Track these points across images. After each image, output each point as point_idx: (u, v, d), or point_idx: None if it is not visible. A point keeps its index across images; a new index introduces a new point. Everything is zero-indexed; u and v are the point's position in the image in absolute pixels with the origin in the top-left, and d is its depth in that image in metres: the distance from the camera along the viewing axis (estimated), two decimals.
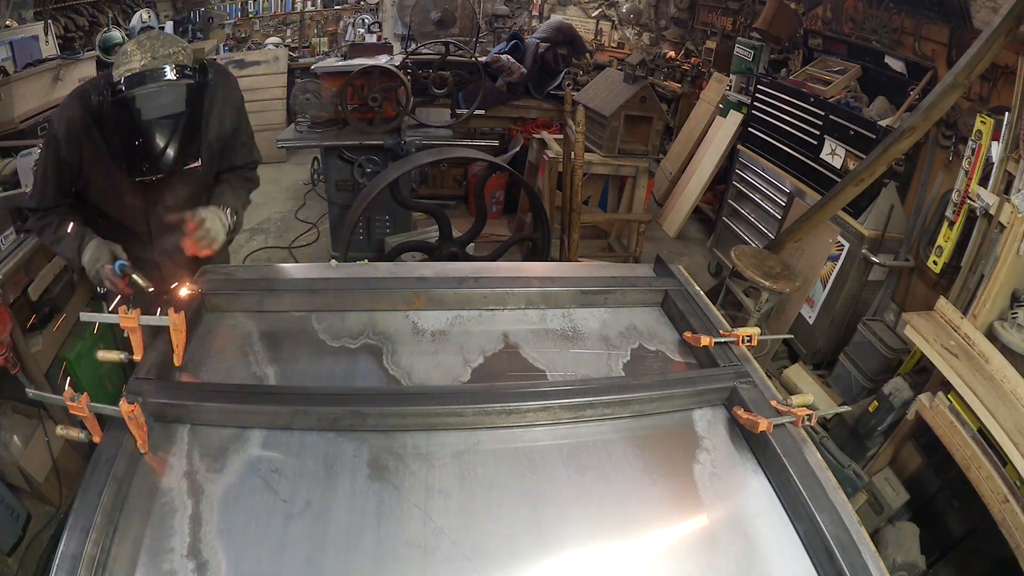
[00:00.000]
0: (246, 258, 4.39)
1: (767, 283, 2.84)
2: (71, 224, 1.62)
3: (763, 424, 1.05)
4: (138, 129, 1.44)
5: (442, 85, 4.00)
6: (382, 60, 3.76)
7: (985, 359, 1.99)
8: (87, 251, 1.58)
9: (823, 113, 3.43)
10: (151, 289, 1.49)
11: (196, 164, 1.67)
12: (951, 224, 2.56)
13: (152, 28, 1.55)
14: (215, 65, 1.64)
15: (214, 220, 1.62)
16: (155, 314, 1.17)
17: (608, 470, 1.04)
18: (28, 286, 2.33)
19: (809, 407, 1.11)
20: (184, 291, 1.33)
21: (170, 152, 1.49)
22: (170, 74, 1.41)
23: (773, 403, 1.12)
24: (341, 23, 7.72)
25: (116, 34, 4.61)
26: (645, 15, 6.87)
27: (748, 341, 1.29)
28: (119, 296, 1.57)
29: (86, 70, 4.04)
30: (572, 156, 3.37)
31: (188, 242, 1.58)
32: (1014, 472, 1.75)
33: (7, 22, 3.80)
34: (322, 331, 1.34)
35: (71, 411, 0.95)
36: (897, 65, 3.34)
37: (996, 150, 2.34)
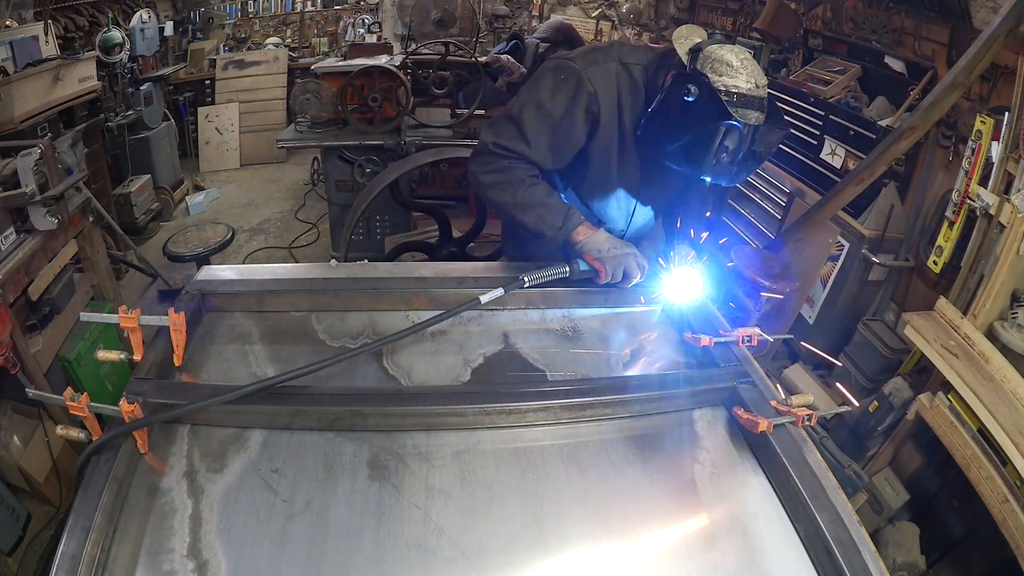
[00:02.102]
0: (246, 258, 4.39)
1: (767, 283, 2.84)
2: (553, 193, 1.46)
3: (763, 424, 1.05)
4: (698, 138, 1.27)
5: (442, 85, 4.00)
6: (382, 60, 3.76)
7: (985, 359, 1.99)
8: (597, 234, 1.44)
9: (823, 113, 3.43)
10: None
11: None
12: (951, 224, 2.56)
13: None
14: None
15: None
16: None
17: (608, 470, 1.04)
18: (28, 286, 2.33)
19: (809, 407, 1.11)
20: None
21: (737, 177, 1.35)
22: (774, 117, 1.29)
23: (773, 403, 1.12)
24: (341, 23, 7.73)
25: (116, 34, 4.61)
26: (645, 15, 6.87)
27: (748, 341, 1.29)
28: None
29: (86, 70, 4.04)
30: None
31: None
32: (1014, 472, 1.75)
33: (7, 22, 3.80)
34: (322, 331, 1.34)
35: (71, 411, 0.95)
36: (897, 65, 3.33)
37: (996, 150, 2.34)
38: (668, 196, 1.68)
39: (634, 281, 1.45)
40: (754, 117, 1.27)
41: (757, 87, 1.28)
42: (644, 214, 1.67)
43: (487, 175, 1.47)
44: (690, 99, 1.27)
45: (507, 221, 1.52)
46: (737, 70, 1.27)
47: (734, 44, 1.33)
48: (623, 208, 1.63)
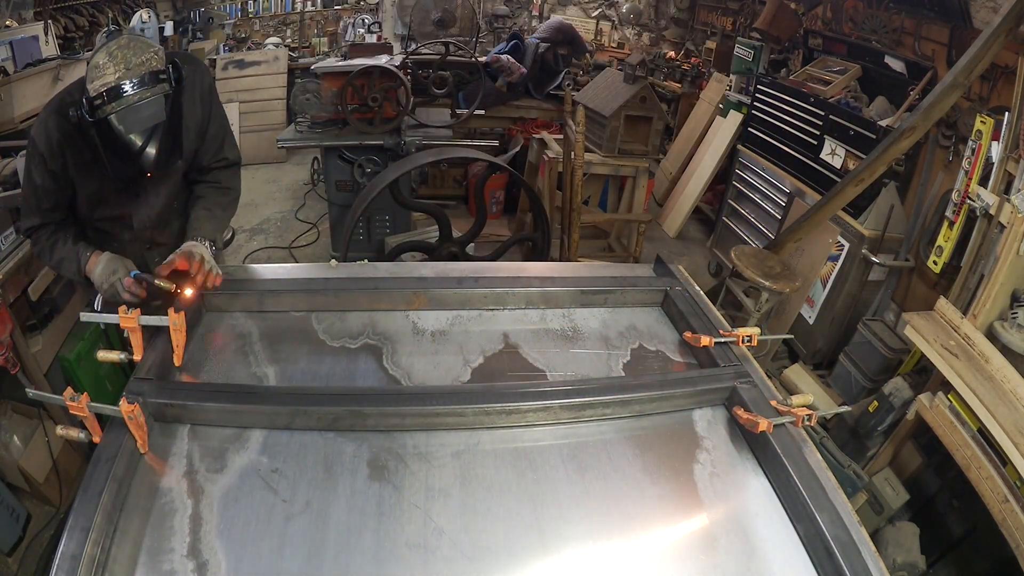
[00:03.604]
0: (246, 258, 4.39)
1: (767, 283, 2.84)
2: (67, 242, 1.64)
3: (763, 424, 1.05)
4: (121, 139, 1.42)
5: (442, 85, 4.00)
6: (382, 60, 3.76)
7: (985, 359, 1.99)
8: (98, 265, 1.56)
9: (823, 113, 3.43)
10: (175, 290, 1.45)
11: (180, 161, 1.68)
12: (951, 224, 2.56)
13: (120, 33, 1.57)
14: (183, 56, 1.63)
15: (205, 251, 1.55)
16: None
17: (608, 470, 1.04)
18: (28, 286, 2.33)
19: (809, 407, 1.11)
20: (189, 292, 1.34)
21: (153, 154, 1.47)
22: (147, 84, 1.38)
23: (773, 403, 1.12)
24: (341, 23, 7.73)
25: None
26: (645, 15, 6.87)
27: (748, 341, 1.29)
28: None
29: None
30: (572, 156, 3.37)
31: (199, 281, 1.47)
32: (1014, 472, 1.75)
33: (7, 22, 3.80)
34: (322, 331, 1.34)
35: (71, 411, 0.95)
36: (897, 65, 3.34)
37: (996, 150, 2.34)
38: (173, 179, 1.77)
39: (127, 298, 1.50)
40: (132, 102, 1.37)
41: (127, 70, 1.36)
42: (151, 208, 1.76)
43: (36, 253, 1.71)
44: (75, 121, 1.41)
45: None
46: (104, 67, 1.36)
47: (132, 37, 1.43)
48: (122, 214, 1.74)
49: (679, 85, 5.79)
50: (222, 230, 1.80)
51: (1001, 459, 1.82)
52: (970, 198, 2.41)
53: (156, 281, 1.43)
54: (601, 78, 4.17)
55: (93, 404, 0.96)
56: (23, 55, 3.69)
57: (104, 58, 1.36)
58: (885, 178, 2.99)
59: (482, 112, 4.18)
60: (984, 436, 1.90)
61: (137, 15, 5.08)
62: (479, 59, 4.24)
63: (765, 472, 1.06)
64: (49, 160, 1.55)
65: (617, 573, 0.90)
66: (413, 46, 4.22)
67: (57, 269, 1.70)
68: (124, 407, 0.95)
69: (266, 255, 4.48)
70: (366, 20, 7.34)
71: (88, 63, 1.39)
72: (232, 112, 6.21)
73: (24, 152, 2.29)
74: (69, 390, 0.96)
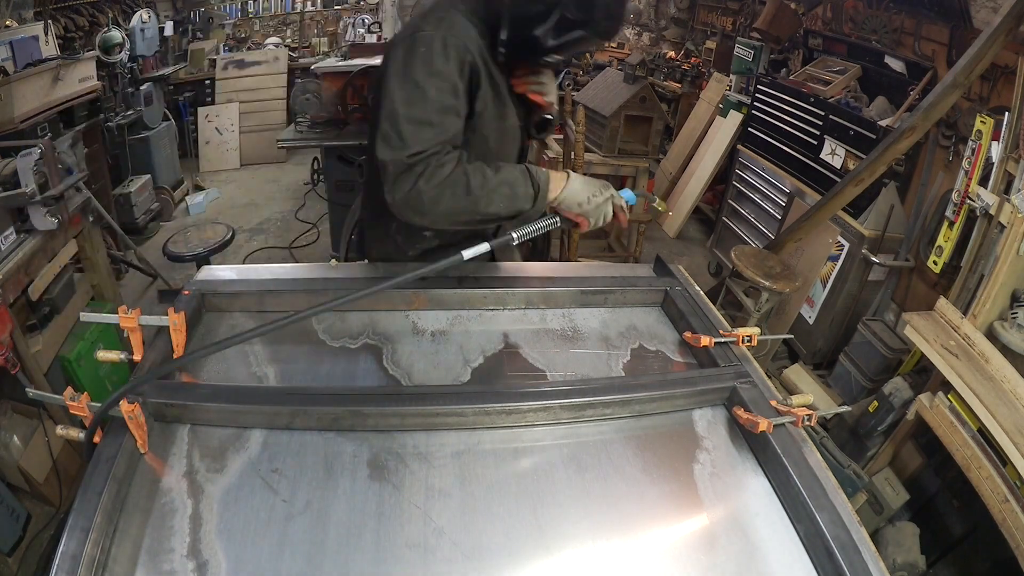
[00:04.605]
0: (246, 258, 4.39)
1: (767, 283, 2.84)
2: (489, 166, 1.28)
3: (763, 424, 1.05)
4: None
5: None
6: None
7: (985, 359, 1.99)
8: (570, 185, 1.31)
9: (823, 113, 3.43)
10: (670, 212, 1.41)
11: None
12: (951, 224, 2.56)
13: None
14: None
15: None
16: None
17: (608, 470, 1.04)
18: (28, 286, 2.33)
19: (809, 407, 1.11)
20: None
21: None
22: None
23: (773, 403, 1.12)
24: (341, 23, 7.72)
25: (116, 34, 4.61)
26: (645, 15, 6.88)
27: (748, 341, 1.29)
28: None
29: (86, 70, 4.04)
30: (572, 156, 3.37)
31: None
32: (1014, 472, 1.75)
33: (7, 22, 3.80)
34: (322, 331, 1.34)
35: (71, 411, 0.95)
36: (897, 65, 3.34)
37: (996, 150, 2.34)
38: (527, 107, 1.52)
39: (621, 219, 1.39)
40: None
41: None
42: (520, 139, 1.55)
43: (427, 192, 1.22)
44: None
45: (467, 224, 1.31)
46: None
47: None
48: (517, 141, 1.52)
49: (679, 85, 5.79)
50: None
51: (1001, 459, 1.83)
52: (970, 198, 2.41)
53: (655, 202, 1.39)
54: (601, 78, 4.17)
55: (93, 404, 0.96)
56: (23, 55, 3.69)
57: None
58: (885, 178, 2.99)
59: None
60: (984, 436, 1.90)
61: (137, 15, 5.07)
62: None
63: (765, 472, 1.05)
64: (471, 48, 1.26)
65: (617, 573, 0.90)
66: None
67: (481, 199, 1.25)
68: (124, 407, 0.95)
69: (266, 255, 4.48)
70: (366, 20, 7.33)
71: None
72: (232, 112, 6.23)
73: (22, 152, 2.28)
74: (69, 390, 0.96)
